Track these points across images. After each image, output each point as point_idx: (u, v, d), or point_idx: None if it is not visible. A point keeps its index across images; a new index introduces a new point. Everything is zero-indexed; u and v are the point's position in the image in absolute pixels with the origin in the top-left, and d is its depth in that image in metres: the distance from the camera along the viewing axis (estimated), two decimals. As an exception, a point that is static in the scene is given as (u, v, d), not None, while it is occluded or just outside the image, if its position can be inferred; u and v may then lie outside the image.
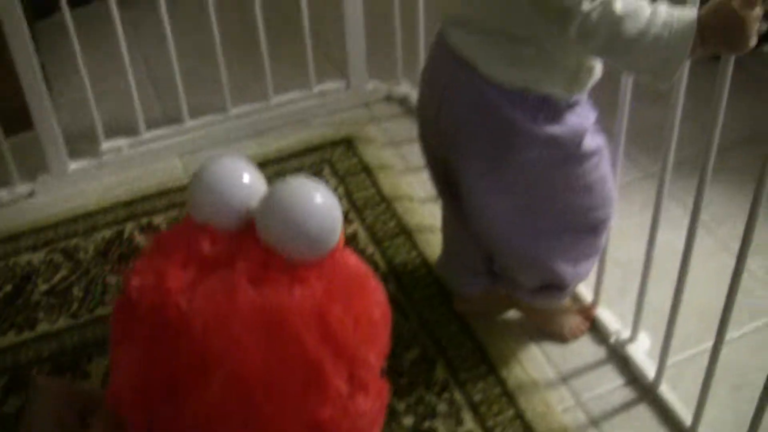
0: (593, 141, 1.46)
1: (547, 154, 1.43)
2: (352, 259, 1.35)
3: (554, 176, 1.47)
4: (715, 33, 1.22)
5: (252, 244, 1.27)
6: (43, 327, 1.84)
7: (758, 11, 1.21)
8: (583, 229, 1.55)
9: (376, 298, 1.33)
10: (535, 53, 1.34)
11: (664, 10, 1.23)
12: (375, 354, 1.31)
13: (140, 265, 1.30)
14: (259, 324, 1.21)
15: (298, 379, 1.22)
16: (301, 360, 1.22)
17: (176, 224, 1.37)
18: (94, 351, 1.78)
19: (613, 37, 1.22)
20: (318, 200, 1.27)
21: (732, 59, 1.27)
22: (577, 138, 1.43)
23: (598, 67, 1.41)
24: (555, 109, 1.40)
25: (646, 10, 1.22)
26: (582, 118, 1.43)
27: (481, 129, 1.43)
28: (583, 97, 1.44)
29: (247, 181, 1.31)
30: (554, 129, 1.40)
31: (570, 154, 1.44)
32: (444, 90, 1.45)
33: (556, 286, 1.63)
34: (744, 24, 1.20)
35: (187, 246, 1.28)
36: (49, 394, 1.49)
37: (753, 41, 1.23)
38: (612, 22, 1.21)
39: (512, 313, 1.79)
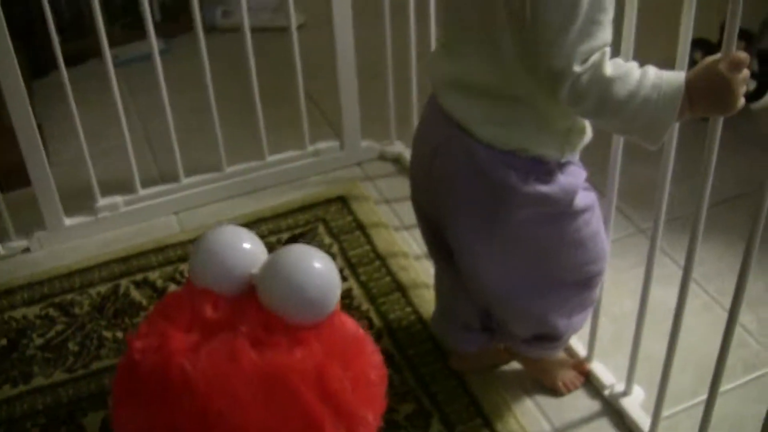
0: (584, 198, 1.48)
1: (539, 213, 1.45)
2: (349, 322, 1.41)
3: (547, 234, 1.48)
4: (704, 95, 1.25)
5: (253, 307, 1.33)
6: (38, 381, 1.84)
7: (745, 73, 1.25)
8: (577, 283, 1.57)
9: (373, 360, 1.37)
10: (528, 115, 1.36)
11: (653, 73, 1.25)
12: (373, 413, 1.34)
13: (144, 328, 1.34)
14: (260, 383, 1.24)
15: None
16: (302, 418, 1.25)
17: (178, 290, 1.42)
18: (89, 405, 1.78)
19: (603, 100, 1.25)
20: (317, 266, 1.36)
21: (721, 120, 1.29)
22: (569, 196, 1.44)
23: (589, 129, 1.44)
24: (547, 170, 1.41)
25: (636, 72, 1.25)
26: (573, 177, 1.45)
27: (474, 189, 1.44)
28: (574, 157, 1.46)
29: (248, 247, 1.40)
30: (546, 189, 1.42)
31: (562, 212, 1.46)
32: (436, 151, 1.46)
33: (551, 337, 1.64)
34: (731, 86, 1.23)
35: (190, 310, 1.33)
36: None
37: (741, 102, 1.26)
38: (602, 84, 1.23)
39: (507, 367, 1.80)
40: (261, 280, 1.35)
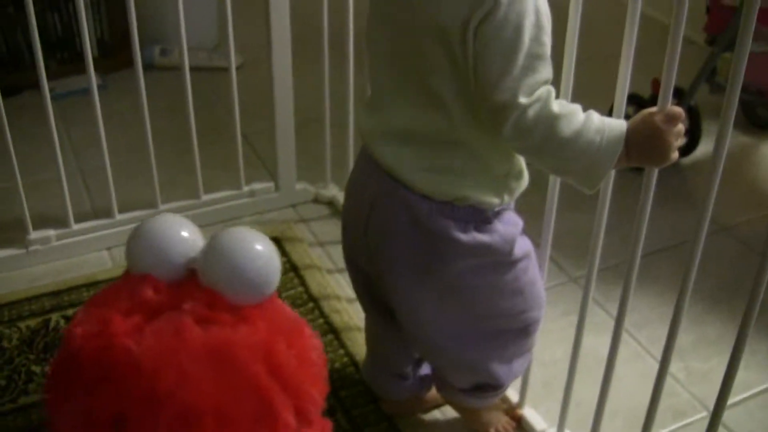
0: (522, 246, 1.48)
1: (478, 262, 1.45)
2: (286, 306, 1.43)
3: (486, 283, 1.48)
4: (640, 146, 1.27)
5: (195, 289, 1.32)
6: (-37, 416, 1.81)
7: (680, 127, 1.28)
8: (516, 330, 1.57)
9: (313, 342, 1.37)
10: (467, 160, 1.36)
11: (597, 117, 1.27)
12: (317, 391, 1.34)
13: (81, 316, 1.31)
14: (208, 359, 1.23)
15: (248, 411, 1.24)
16: (251, 392, 1.24)
17: (113, 282, 1.39)
18: (15, 441, 1.75)
19: (548, 137, 1.25)
20: (259, 245, 1.37)
21: (656, 171, 1.33)
22: (509, 245, 1.45)
23: (526, 174, 1.44)
24: (485, 219, 1.42)
25: (581, 114, 1.27)
26: (511, 225, 1.45)
27: (412, 240, 1.43)
28: (511, 205, 1.47)
29: (186, 233, 1.40)
30: (486, 238, 1.42)
31: (501, 261, 1.46)
32: (373, 204, 1.45)
33: (491, 386, 1.64)
34: (667, 138, 1.26)
35: (129, 296, 1.31)
36: None
37: (675, 155, 1.29)
38: (549, 120, 1.24)
39: (438, 411, 1.81)
40: (202, 263, 1.35)
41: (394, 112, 1.39)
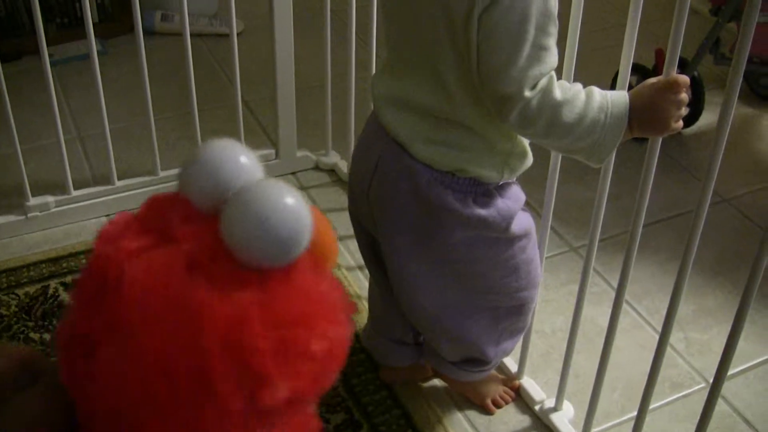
0: (522, 224, 1.48)
1: (475, 236, 1.45)
2: (322, 285, 1.13)
3: (482, 257, 1.48)
4: (644, 116, 1.27)
5: (213, 230, 1.15)
6: (-38, 382, 1.81)
7: (683, 96, 1.28)
8: (509, 308, 1.57)
9: (324, 331, 1.14)
10: (468, 138, 1.36)
11: (598, 94, 1.27)
12: (291, 386, 1.13)
13: (119, 217, 1.20)
14: (170, 308, 1.11)
15: (183, 385, 1.11)
16: (193, 358, 1.09)
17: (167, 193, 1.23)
18: (14, 407, 1.75)
19: (553, 123, 1.25)
20: (285, 201, 1.06)
21: (659, 141, 1.32)
22: (506, 221, 1.44)
23: (530, 153, 1.43)
24: (485, 192, 1.41)
25: (582, 95, 1.26)
26: (512, 201, 1.45)
27: (411, 206, 1.43)
28: (513, 179, 1.46)
29: (241, 161, 1.12)
30: (484, 212, 1.41)
31: (498, 236, 1.46)
32: (376, 165, 1.45)
33: (479, 361, 1.65)
34: (671, 107, 1.26)
35: (160, 216, 1.19)
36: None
37: (678, 125, 1.29)
38: (552, 108, 1.24)
39: (438, 380, 1.81)
40: (225, 205, 1.08)
41: (403, 83, 1.38)
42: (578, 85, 1.28)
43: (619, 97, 1.28)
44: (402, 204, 1.44)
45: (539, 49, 1.22)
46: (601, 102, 1.26)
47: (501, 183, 1.43)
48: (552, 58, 1.24)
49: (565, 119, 1.25)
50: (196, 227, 1.14)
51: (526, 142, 1.41)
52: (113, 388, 1.08)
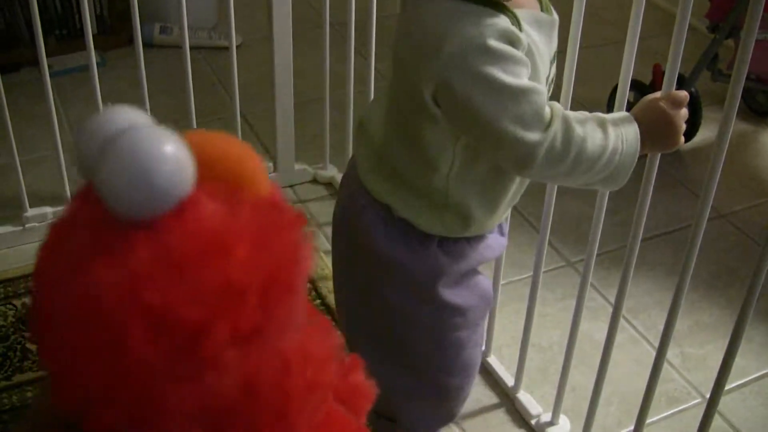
0: (454, 296, 1.38)
1: (399, 280, 1.37)
2: (224, 212, 0.89)
3: (405, 307, 1.40)
4: (650, 133, 1.25)
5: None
6: (-42, 392, 1.81)
7: (685, 111, 1.28)
8: (428, 385, 1.49)
9: (241, 254, 0.85)
10: (410, 178, 1.30)
11: (609, 121, 1.21)
12: (223, 323, 0.88)
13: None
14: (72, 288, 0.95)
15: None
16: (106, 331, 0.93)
17: None
18: (10, 418, 1.74)
19: (579, 159, 1.18)
20: (156, 145, 0.85)
21: (658, 158, 1.33)
22: (427, 276, 1.35)
23: (477, 223, 1.33)
24: (417, 235, 1.33)
25: (597, 127, 1.20)
26: (444, 258, 1.35)
27: (344, 228, 1.43)
28: (460, 244, 1.36)
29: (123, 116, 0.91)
30: (405, 255, 1.34)
31: (421, 292, 1.37)
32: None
33: (387, 418, 1.55)
34: (674, 122, 1.25)
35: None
36: None
37: (681, 139, 1.29)
38: (578, 143, 1.17)
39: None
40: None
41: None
42: (588, 116, 1.21)
43: (626, 119, 1.24)
44: (337, 221, 1.46)
45: (519, 95, 1.14)
46: (615, 129, 1.21)
47: (440, 237, 1.34)
48: (536, 89, 1.15)
49: (589, 153, 1.18)
50: (85, 201, 0.92)
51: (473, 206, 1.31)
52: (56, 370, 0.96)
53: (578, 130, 1.17)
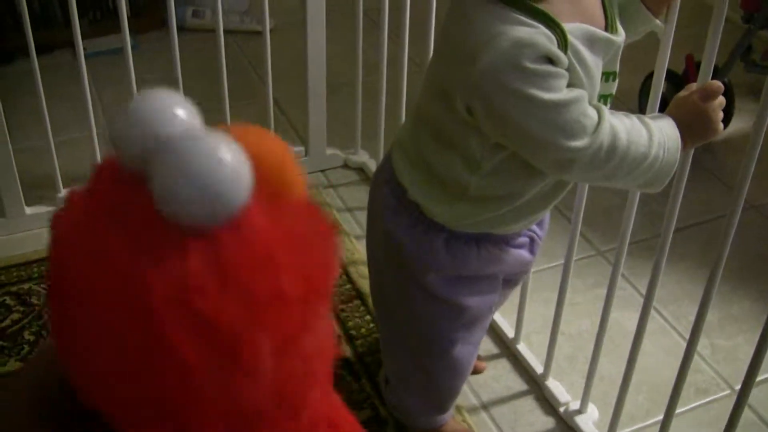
0: (452, 292, 1.40)
1: (390, 254, 1.41)
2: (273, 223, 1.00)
3: (397, 286, 1.44)
4: (692, 127, 1.25)
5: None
6: (-9, 369, 1.83)
7: (720, 99, 1.27)
8: (418, 370, 1.54)
9: (293, 267, 0.97)
10: (430, 159, 1.31)
11: (654, 128, 1.20)
12: (270, 335, 0.94)
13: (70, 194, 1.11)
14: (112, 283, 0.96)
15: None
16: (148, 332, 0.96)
17: None
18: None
19: (620, 165, 1.17)
20: (219, 154, 0.79)
21: (692, 150, 1.32)
22: (419, 263, 1.37)
23: (489, 220, 1.33)
24: (423, 222, 1.35)
25: (641, 134, 1.19)
26: (439, 252, 1.35)
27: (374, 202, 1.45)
28: (467, 241, 1.36)
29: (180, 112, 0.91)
30: (405, 238, 1.36)
31: (412, 278, 1.40)
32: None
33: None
34: (709, 114, 1.25)
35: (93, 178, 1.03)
36: None
37: (720, 127, 1.28)
38: (622, 150, 1.16)
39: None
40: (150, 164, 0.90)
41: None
42: (627, 122, 1.20)
43: (666, 122, 1.23)
44: (372, 197, 1.48)
45: (560, 108, 1.13)
46: (656, 132, 1.20)
47: (448, 228, 1.35)
48: (579, 95, 1.14)
49: (632, 156, 1.18)
50: (122, 189, 0.95)
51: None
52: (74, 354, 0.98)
53: (623, 137, 1.16)
